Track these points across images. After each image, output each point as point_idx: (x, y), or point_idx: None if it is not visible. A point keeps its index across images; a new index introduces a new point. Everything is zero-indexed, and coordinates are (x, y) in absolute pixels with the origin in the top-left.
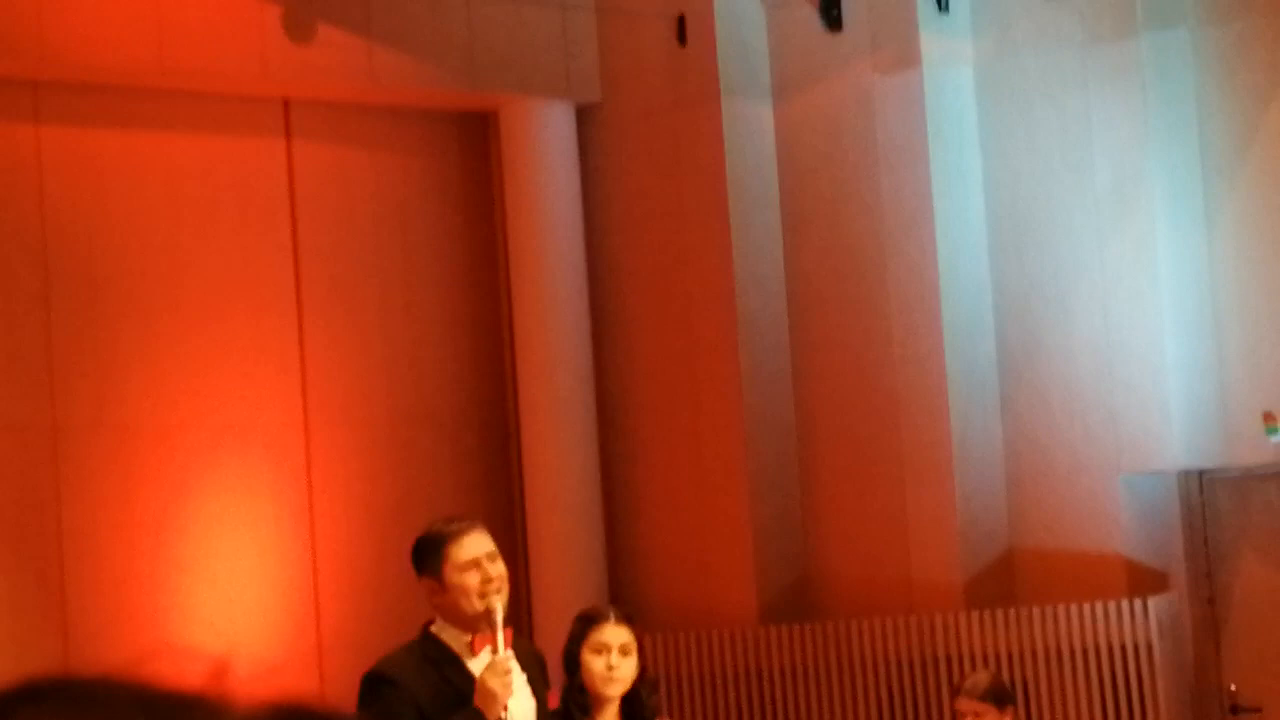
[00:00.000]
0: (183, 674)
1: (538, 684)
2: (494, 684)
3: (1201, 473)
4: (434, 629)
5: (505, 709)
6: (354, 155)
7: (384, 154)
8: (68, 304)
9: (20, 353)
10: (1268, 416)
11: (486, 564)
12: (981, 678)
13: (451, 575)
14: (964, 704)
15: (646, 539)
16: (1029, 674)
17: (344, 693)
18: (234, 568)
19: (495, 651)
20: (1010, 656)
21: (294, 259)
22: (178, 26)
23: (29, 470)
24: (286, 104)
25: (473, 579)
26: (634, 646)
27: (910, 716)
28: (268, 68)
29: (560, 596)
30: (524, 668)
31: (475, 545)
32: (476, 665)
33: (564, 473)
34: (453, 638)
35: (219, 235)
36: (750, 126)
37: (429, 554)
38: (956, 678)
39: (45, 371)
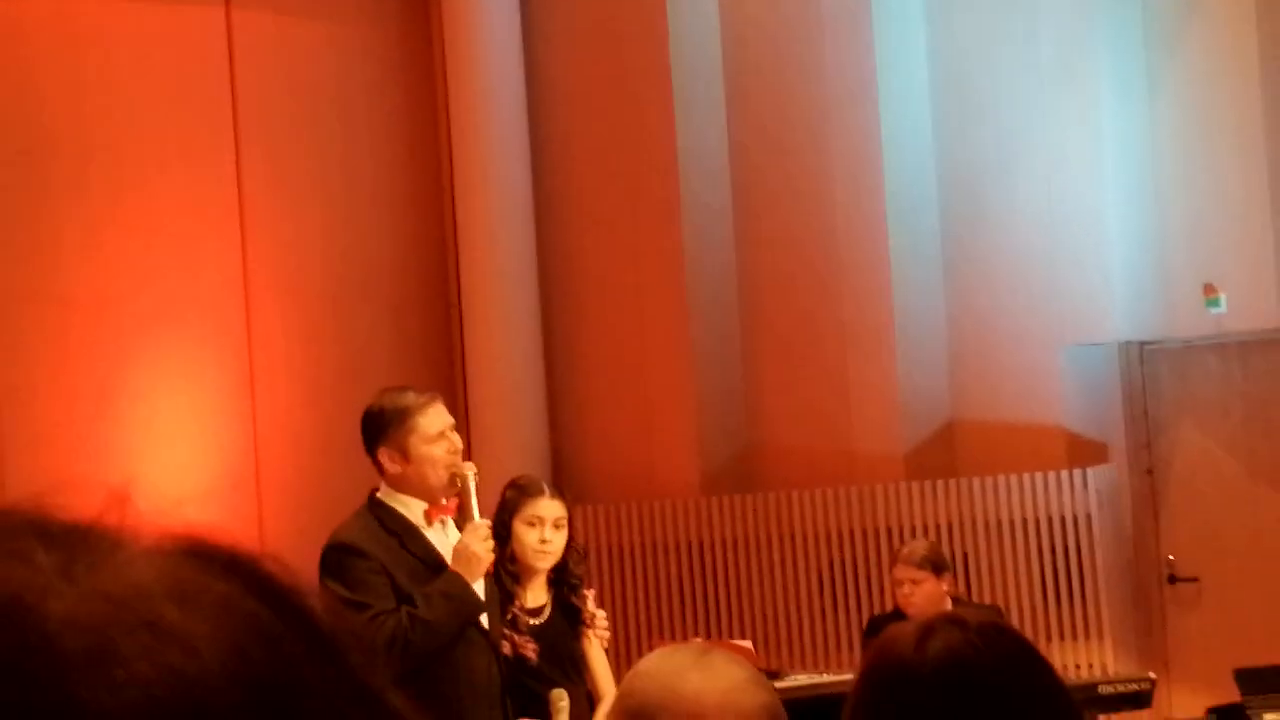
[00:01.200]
0: (93, 512)
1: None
2: (477, 548)
3: (1142, 344)
4: (381, 496)
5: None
6: (293, 24)
7: (324, 23)
8: (2, 173)
9: None
10: (1208, 288)
11: (451, 434)
12: (919, 545)
13: (418, 446)
14: (901, 571)
15: (589, 411)
16: (969, 544)
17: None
18: (174, 437)
19: (469, 519)
20: (950, 527)
21: (233, 129)
22: None
23: None
24: None
25: (440, 449)
26: (566, 520)
27: (850, 586)
28: None
29: (502, 468)
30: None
31: (441, 417)
32: (432, 535)
33: (506, 344)
34: (406, 508)
35: (157, 104)
36: None
37: (391, 426)
38: (897, 548)
39: None
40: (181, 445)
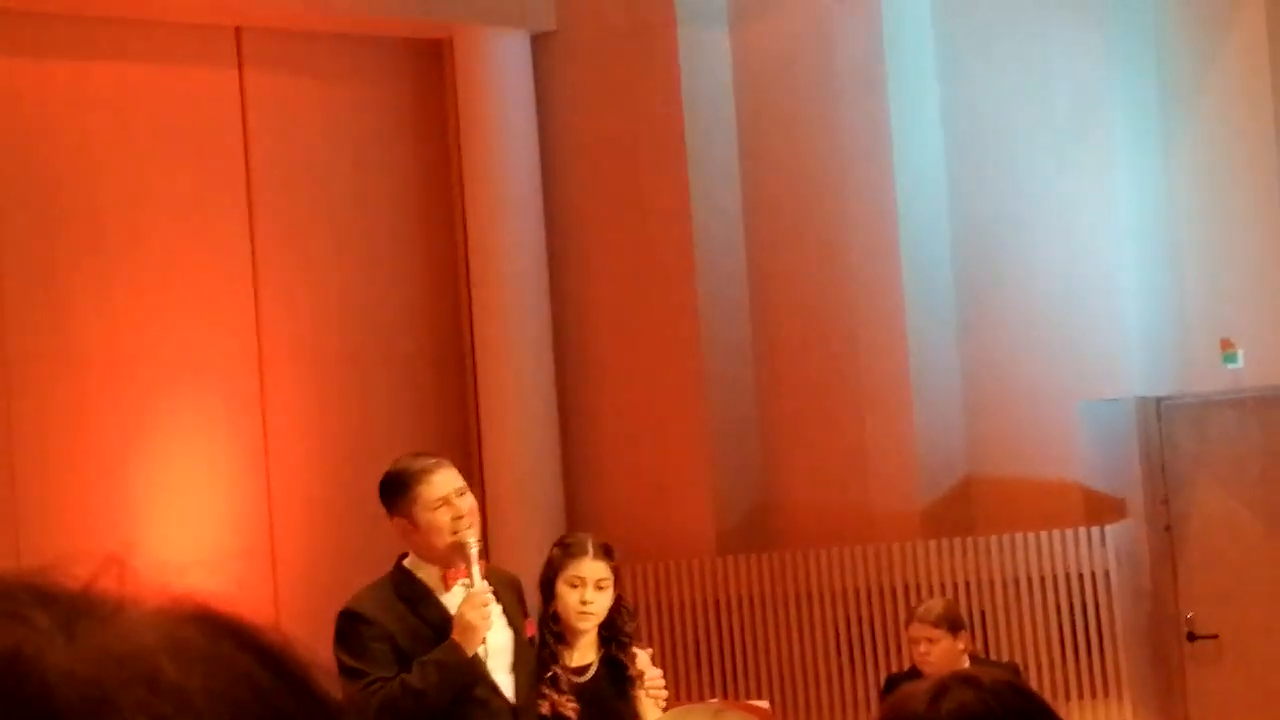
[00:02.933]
0: (91, 576)
1: (513, 612)
2: (472, 616)
3: (1159, 400)
4: (406, 563)
5: (484, 641)
6: (307, 84)
7: (337, 84)
8: (18, 233)
9: None
10: (1225, 343)
11: (456, 500)
12: (935, 604)
13: (421, 514)
14: (917, 629)
15: (604, 468)
16: (987, 602)
17: (297, 623)
18: (187, 500)
19: (471, 585)
20: (968, 585)
21: (247, 189)
22: None
23: None
24: (238, 32)
25: (443, 516)
26: (611, 581)
27: (867, 644)
28: None
29: (518, 528)
30: (500, 596)
31: (444, 483)
32: (450, 600)
33: (520, 403)
34: (426, 573)
35: (171, 165)
36: (706, 54)
37: (398, 493)
38: (913, 606)
39: None
40: (195, 505)
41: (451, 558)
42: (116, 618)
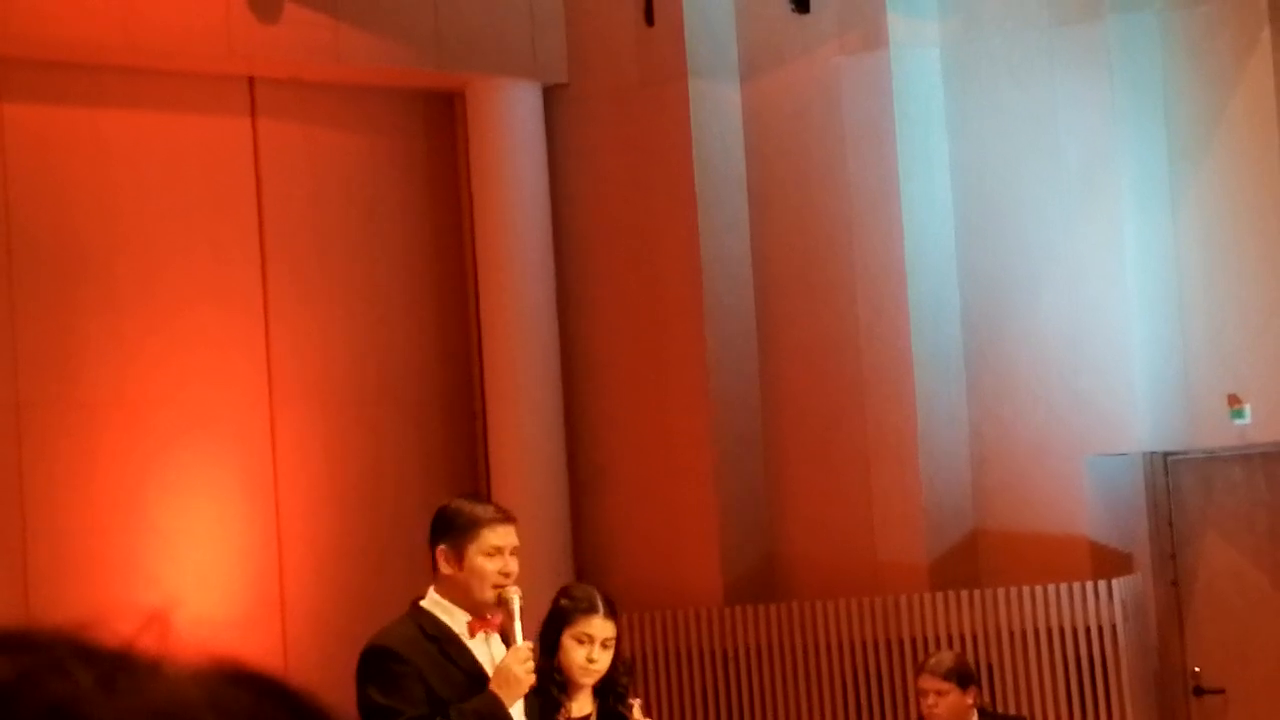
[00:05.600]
0: (132, 633)
1: None
2: (518, 670)
3: (1166, 455)
4: (424, 604)
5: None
6: (320, 134)
7: (350, 133)
8: (31, 281)
9: None
10: (1232, 399)
11: (509, 557)
12: (945, 657)
13: (474, 556)
14: (926, 682)
15: (612, 519)
16: (994, 655)
17: (308, 670)
18: (199, 547)
19: (512, 642)
20: (975, 638)
21: (259, 238)
22: (143, 3)
23: None
24: (252, 82)
25: (494, 566)
26: (614, 640)
27: (874, 697)
28: (233, 46)
29: (525, 577)
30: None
31: (507, 538)
32: (473, 646)
33: (529, 452)
34: (450, 617)
35: (184, 213)
36: (717, 107)
37: (456, 528)
38: (921, 659)
39: (8, 348)
40: (205, 552)
41: (483, 608)
42: (158, 674)
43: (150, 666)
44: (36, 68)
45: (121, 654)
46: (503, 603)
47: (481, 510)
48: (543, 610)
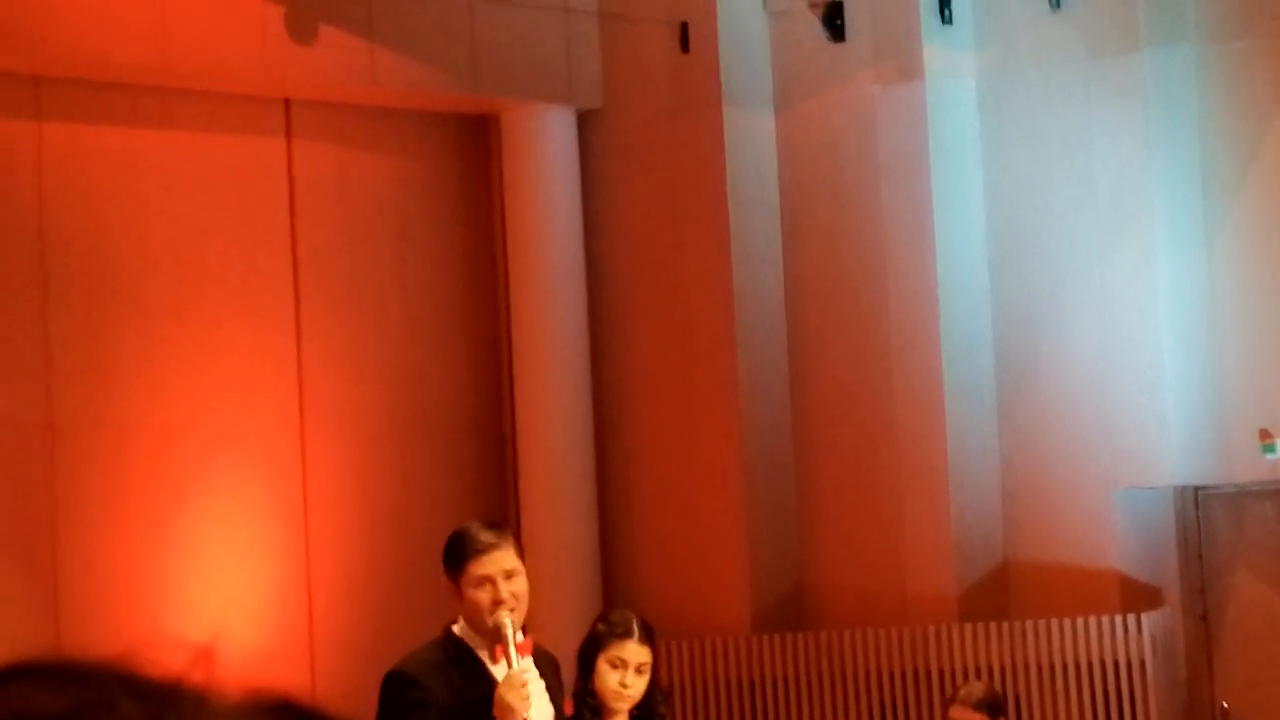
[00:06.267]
0: (174, 664)
1: (554, 690)
2: (511, 698)
3: (1197, 489)
4: (456, 630)
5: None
6: (354, 157)
7: (384, 156)
8: (66, 302)
9: (17, 350)
10: (1264, 434)
11: (501, 583)
12: (976, 687)
13: (466, 588)
14: (958, 712)
15: (642, 547)
16: (1022, 688)
17: (336, 693)
18: (228, 569)
19: (510, 666)
20: (1003, 670)
21: (292, 260)
22: (180, 25)
23: (24, 468)
24: (287, 104)
25: (484, 596)
26: (650, 665)
27: None
28: (269, 67)
29: (554, 604)
30: (541, 674)
31: (493, 562)
32: (498, 672)
33: (559, 479)
34: (476, 642)
35: (218, 234)
36: (751, 135)
37: (453, 561)
38: (949, 690)
39: (42, 369)
40: (235, 574)
41: (490, 635)
42: (203, 710)
43: (196, 702)
44: (74, 88)
45: (169, 689)
46: (496, 628)
47: (469, 541)
48: (580, 635)
